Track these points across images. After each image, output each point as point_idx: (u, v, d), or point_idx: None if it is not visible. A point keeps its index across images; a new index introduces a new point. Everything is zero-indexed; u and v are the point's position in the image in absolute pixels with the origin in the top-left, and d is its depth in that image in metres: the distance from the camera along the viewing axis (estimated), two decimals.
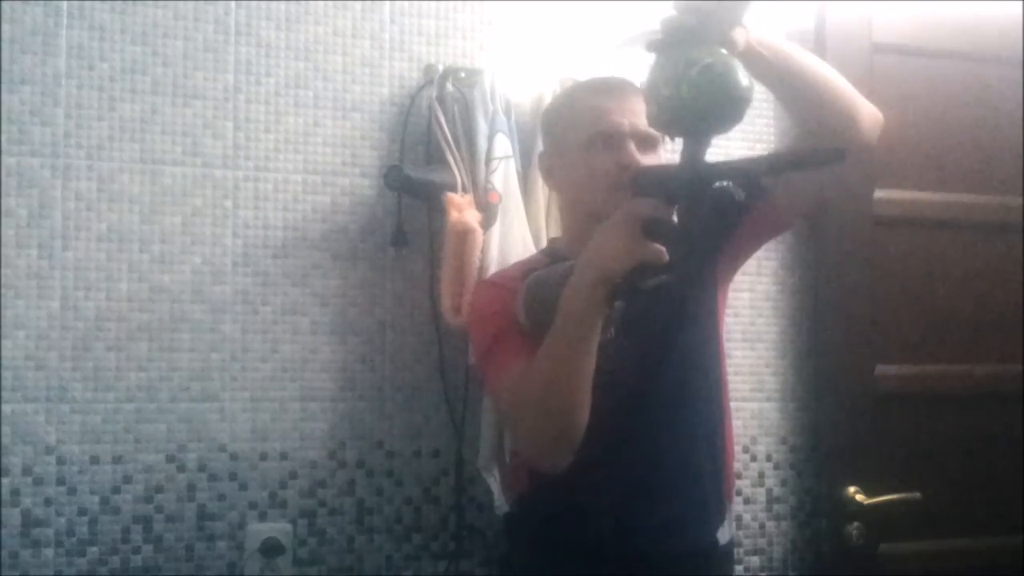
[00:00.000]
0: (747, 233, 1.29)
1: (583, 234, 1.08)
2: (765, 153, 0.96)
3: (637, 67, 1.28)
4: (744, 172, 0.99)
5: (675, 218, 1.02)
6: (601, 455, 1.15)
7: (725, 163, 1.01)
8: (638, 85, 1.22)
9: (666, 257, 0.98)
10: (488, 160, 1.51)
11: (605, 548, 1.20)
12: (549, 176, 1.35)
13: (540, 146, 1.56)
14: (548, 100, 1.57)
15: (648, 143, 1.21)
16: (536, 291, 1.15)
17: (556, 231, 1.56)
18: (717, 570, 1.29)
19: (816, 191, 1.29)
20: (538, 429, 1.08)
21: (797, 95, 1.15)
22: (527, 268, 1.26)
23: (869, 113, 1.19)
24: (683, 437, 1.23)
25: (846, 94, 1.15)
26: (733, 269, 1.35)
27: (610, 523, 1.20)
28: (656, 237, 0.99)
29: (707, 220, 1.03)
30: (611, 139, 1.20)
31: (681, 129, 0.99)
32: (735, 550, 1.69)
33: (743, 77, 0.95)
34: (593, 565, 1.21)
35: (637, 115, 1.19)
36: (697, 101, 0.94)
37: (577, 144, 1.24)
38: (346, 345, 1.58)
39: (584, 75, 1.50)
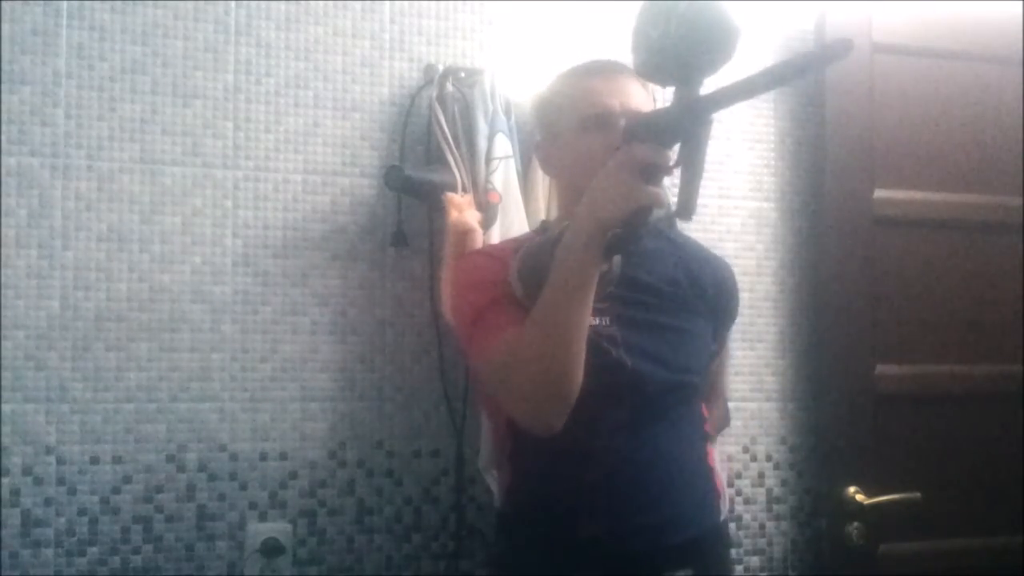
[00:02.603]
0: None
1: None
2: (764, 67, 0.93)
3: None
4: (744, 92, 0.93)
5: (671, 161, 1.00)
6: (592, 443, 1.13)
7: (722, 88, 0.94)
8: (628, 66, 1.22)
9: (665, 201, 0.97)
10: (488, 160, 1.51)
11: (602, 543, 1.17)
12: (546, 163, 1.34)
13: (536, 135, 1.56)
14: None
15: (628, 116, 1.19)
16: (532, 258, 1.12)
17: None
18: (719, 549, 1.28)
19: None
20: (534, 386, 1.05)
21: None
22: (519, 243, 1.24)
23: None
24: (677, 427, 1.22)
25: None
26: None
27: (606, 517, 1.17)
28: (655, 181, 0.98)
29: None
30: (603, 120, 1.19)
31: (673, 72, 0.97)
32: (738, 550, 1.70)
33: (733, 10, 0.94)
34: (589, 559, 1.18)
35: (629, 96, 1.19)
36: (689, 36, 0.93)
37: (570, 128, 1.23)
38: (346, 345, 1.58)
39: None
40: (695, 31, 0.93)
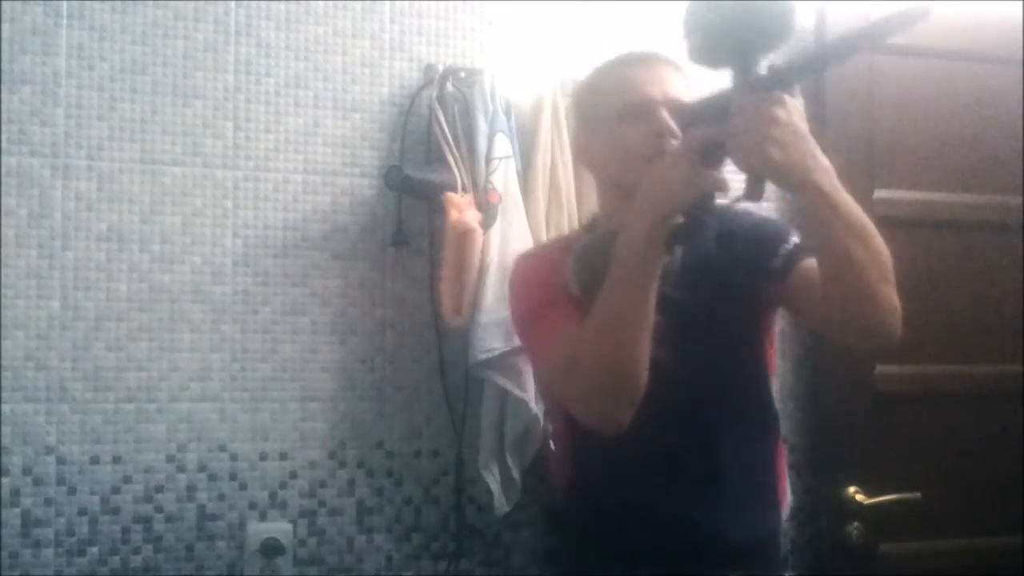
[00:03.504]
0: (774, 299, 1.20)
1: (621, 209, 1.05)
2: (830, 39, 0.89)
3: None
4: (812, 65, 0.91)
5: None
6: (645, 437, 1.08)
7: (789, 64, 0.91)
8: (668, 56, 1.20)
9: (728, 187, 0.95)
10: (488, 160, 1.52)
11: (654, 534, 1.16)
12: (583, 154, 1.30)
13: (546, 145, 1.55)
14: (548, 100, 1.57)
15: (681, 109, 1.15)
16: (587, 255, 1.10)
17: (556, 231, 1.56)
18: (774, 553, 1.26)
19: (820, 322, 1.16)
20: (599, 383, 1.02)
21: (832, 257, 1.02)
22: (569, 241, 1.23)
23: (890, 309, 1.06)
24: (729, 425, 1.18)
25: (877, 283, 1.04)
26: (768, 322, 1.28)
27: (659, 508, 1.16)
28: (716, 166, 0.95)
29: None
30: (643, 109, 1.16)
31: (729, 52, 0.94)
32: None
33: None
34: (644, 558, 1.17)
35: (668, 83, 1.17)
36: (745, 15, 0.91)
37: (608, 118, 1.19)
38: (346, 345, 1.58)
39: (584, 75, 1.50)
40: (753, 10, 0.91)
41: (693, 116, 1.02)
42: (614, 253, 1.01)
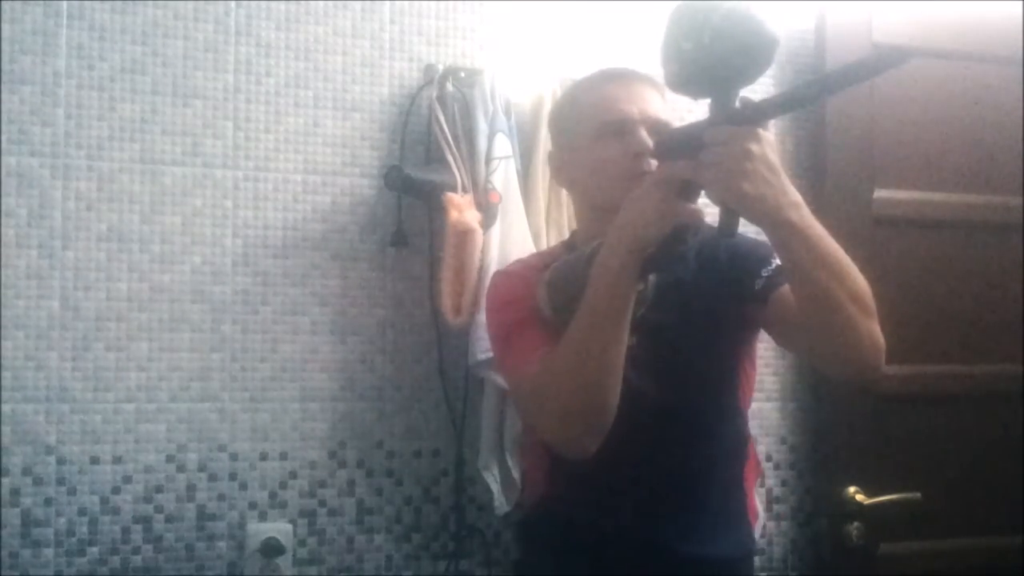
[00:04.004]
0: (755, 322, 1.18)
1: (600, 229, 1.04)
2: (813, 77, 0.85)
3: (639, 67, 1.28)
4: (790, 103, 0.90)
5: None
6: (620, 459, 1.09)
7: (767, 100, 0.90)
8: (645, 73, 1.20)
9: (704, 218, 0.95)
10: (488, 160, 1.52)
11: (626, 557, 1.16)
12: (560, 174, 1.29)
13: (548, 145, 1.55)
14: (548, 100, 1.57)
15: (659, 130, 1.14)
16: (561, 277, 1.10)
17: (556, 231, 1.56)
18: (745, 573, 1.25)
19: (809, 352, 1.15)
20: (568, 409, 1.02)
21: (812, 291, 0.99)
22: (546, 258, 1.22)
23: (872, 344, 1.02)
24: (703, 449, 1.18)
25: (858, 319, 1.00)
26: (748, 342, 1.26)
27: (631, 531, 1.16)
28: (692, 198, 0.95)
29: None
30: (620, 127, 1.15)
31: (707, 84, 0.93)
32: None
33: (770, 18, 0.89)
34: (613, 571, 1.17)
35: (647, 101, 1.16)
36: (723, 48, 0.89)
37: (586, 136, 1.18)
38: (346, 345, 1.58)
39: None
40: (731, 42, 0.89)
41: (669, 145, 1.01)
42: (588, 281, 1.01)
